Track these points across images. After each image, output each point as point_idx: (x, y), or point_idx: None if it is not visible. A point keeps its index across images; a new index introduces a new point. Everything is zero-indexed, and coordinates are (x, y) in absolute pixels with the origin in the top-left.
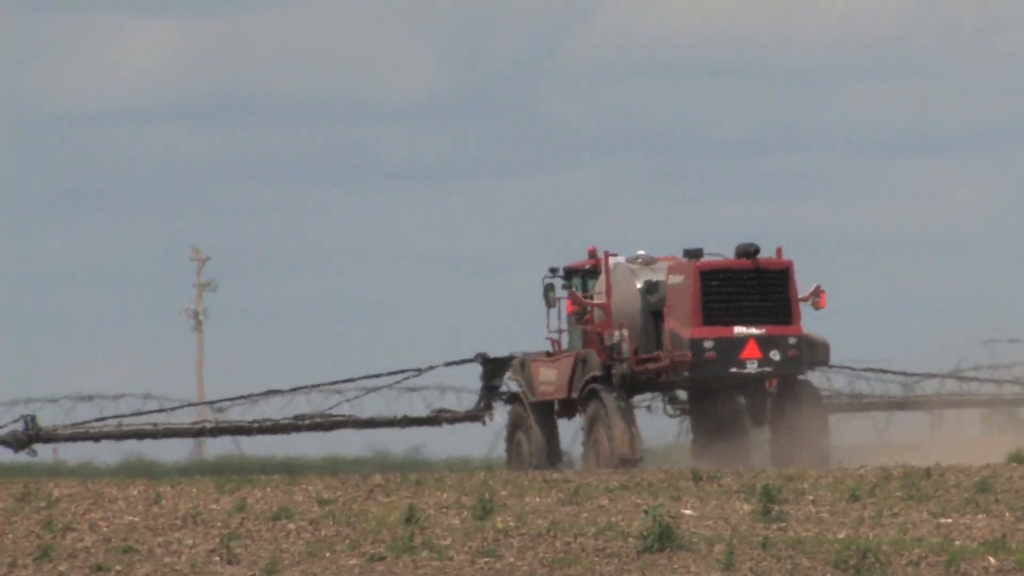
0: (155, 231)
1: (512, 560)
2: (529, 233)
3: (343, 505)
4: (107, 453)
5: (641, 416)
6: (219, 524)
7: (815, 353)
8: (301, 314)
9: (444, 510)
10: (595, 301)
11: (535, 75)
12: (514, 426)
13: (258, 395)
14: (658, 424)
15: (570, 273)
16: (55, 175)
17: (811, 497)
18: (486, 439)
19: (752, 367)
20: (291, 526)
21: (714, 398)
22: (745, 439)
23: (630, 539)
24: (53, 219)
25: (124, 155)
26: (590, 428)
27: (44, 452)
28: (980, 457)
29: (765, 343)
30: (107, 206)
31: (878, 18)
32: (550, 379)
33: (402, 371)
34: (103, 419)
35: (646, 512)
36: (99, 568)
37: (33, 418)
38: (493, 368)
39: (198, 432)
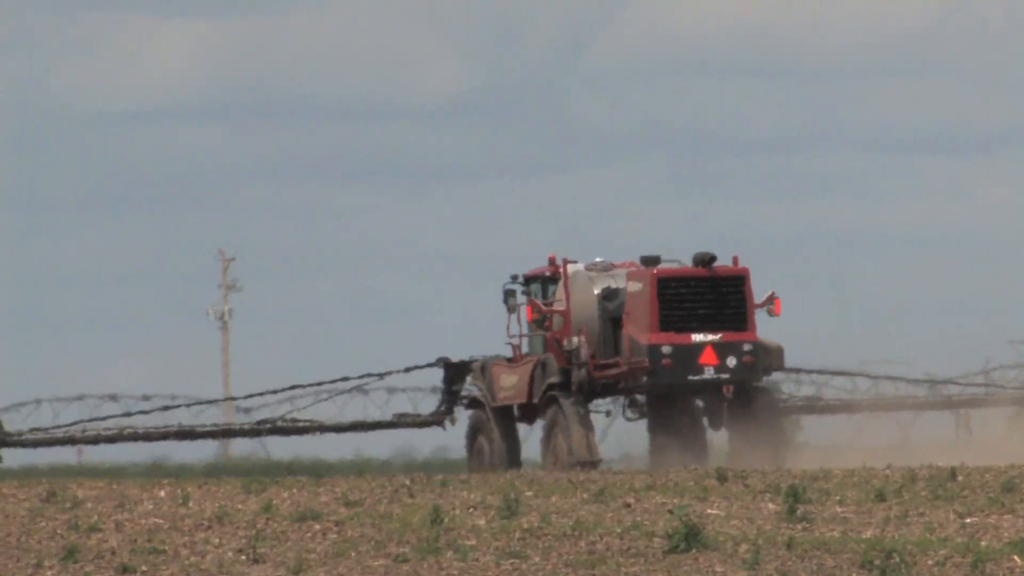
0: (181, 231)
1: (537, 560)
2: (554, 233)
3: (369, 506)
4: (135, 454)
5: (600, 419)
6: (245, 525)
7: (770, 359)
8: (326, 313)
9: (470, 510)
10: (554, 308)
11: (561, 74)
12: (475, 430)
13: (220, 400)
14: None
15: (530, 280)
16: (81, 174)
17: (837, 497)
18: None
19: (709, 373)
20: (317, 527)
21: (672, 403)
22: (702, 443)
23: (656, 539)
24: (78, 218)
25: (150, 155)
26: (549, 433)
27: (70, 453)
28: (1006, 457)
29: (721, 350)
30: (133, 206)
31: (905, 16)
32: (510, 384)
33: (365, 375)
34: (71, 424)
35: (671, 512)
36: (125, 569)
37: None
38: (455, 372)
39: (162, 436)
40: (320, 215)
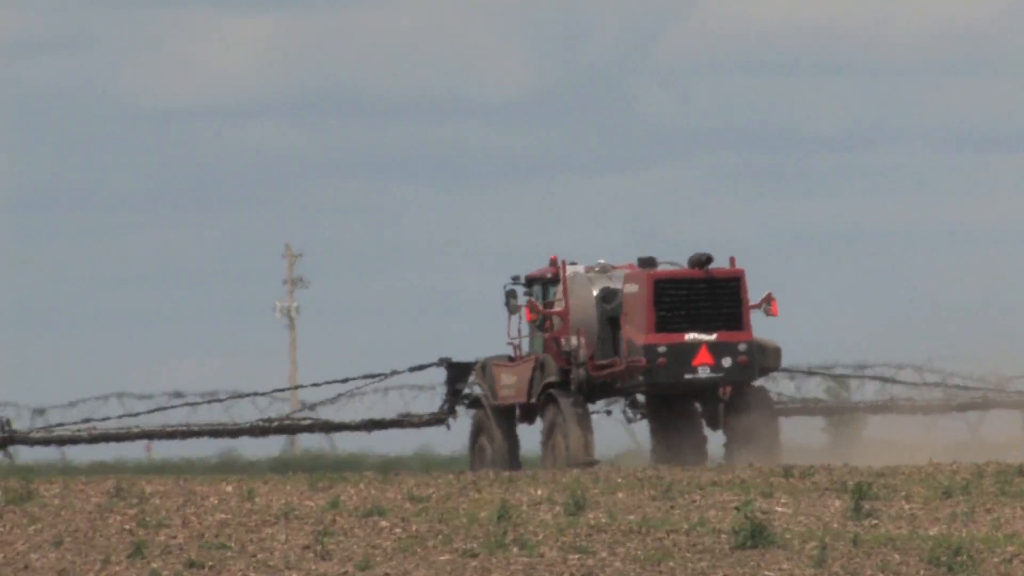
0: (248, 228)
1: (604, 556)
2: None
3: (436, 502)
4: (201, 450)
5: (601, 420)
6: (312, 521)
7: (766, 359)
8: (392, 309)
9: (536, 506)
10: (553, 309)
11: (630, 72)
12: (477, 430)
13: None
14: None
15: (531, 281)
16: (148, 172)
17: (903, 494)
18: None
19: (704, 373)
20: (384, 523)
21: (671, 403)
22: (701, 443)
23: (722, 535)
24: (145, 216)
25: (217, 152)
26: (548, 433)
27: (137, 449)
28: None
29: (717, 350)
30: (200, 203)
31: (972, 12)
32: (510, 383)
33: (369, 375)
34: (84, 422)
35: (738, 509)
36: (192, 564)
37: (9, 421)
38: (457, 372)
39: (169, 435)
40: (387, 211)
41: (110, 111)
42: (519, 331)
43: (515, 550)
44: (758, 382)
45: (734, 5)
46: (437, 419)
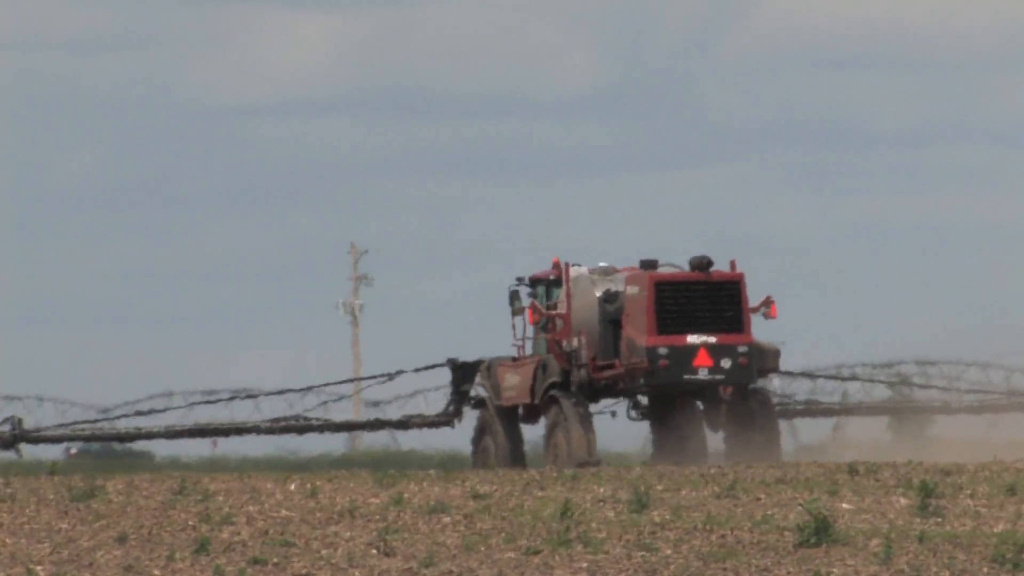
0: (312, 225)
1: (668, 553)
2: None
3: (499, 499)
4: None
5: (603, 421)
6: (376, 518)
7: (765, 360)
8: (456, 306)
9: (600, 504)
10: (556, 310)
11: (695, 68)
12: (481, 430)
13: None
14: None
15: (535, 283)
16: (214, 169)
17: (968, 491)
18: (642, 432)
19: (704, 374)
20: (447, 520)
21: (673, 404)
22: (702, 443)
23: (786, 533)
24: (210, 213)
25: (283, 149)
26: (550, 432)
27: (204, 446)
28: None
29: (716, 351)
30: (265, 200)
31: None
32: (514, 384)
33: (374, 376)
34: (91, 421)
35: (802, 506)
36: (256, 561)
37: (20, 420)
38: (463, 373)
39: (176, 434)
40: (451, 209)
41: (176, 109)
42: (524, 332)
43: (579, 547)
44: (759, 383)
45: (798, 1)
46: (443, 420)
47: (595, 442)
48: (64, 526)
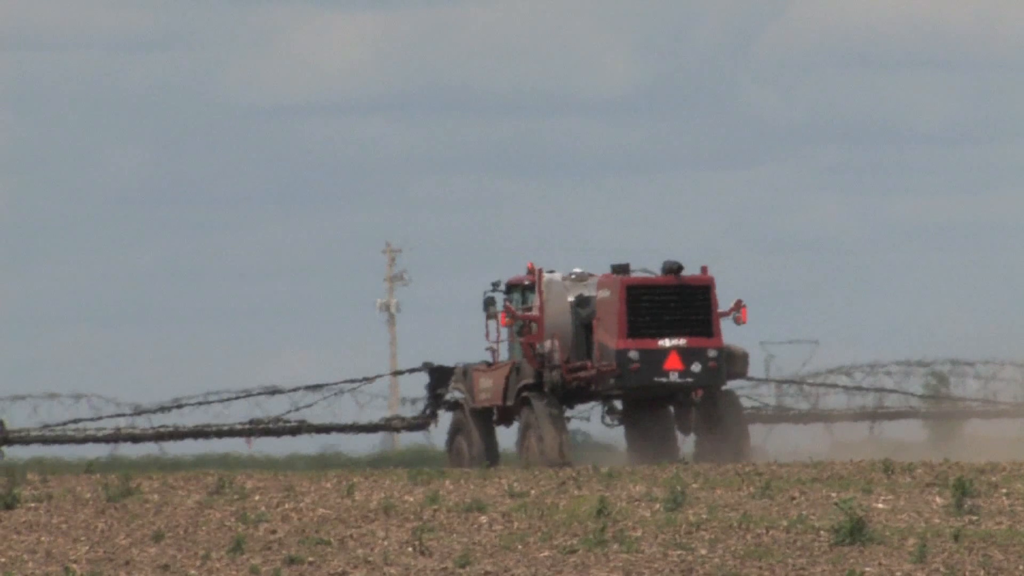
0: (349, 224)
1: (704, 552)
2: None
3: (535, 498)
4: (303, 445)
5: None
6: (412, 516)
7: (734, 364)
8: None
9: (635, 503)
10: (528, 314)
11: (732, 67)
12: (455, 431)
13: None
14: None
15: (511, 288)
16: (253, 168)
17: (1004, 490)
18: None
19: (674, 377)
20: (483, 518)
21: (646, 408)
22: (674, 446)
23: (821, 532)
24: (248, 212)
25: (320, 148)
26: (523, 434)
27: (239, 444)
28: None
29: (686, 355)
30: (302, 199)
31: None
32: (487, 387)
33: (352, 380)
34: (73, 421)
35: (837, 505)
36: (292, 560)
37: (1, 422)
38: (439, 377)
39: (158, 436)
40: (489, 208)
41: (216, 108)
42: (498, 336)
43: (615, 546)
44: (727, 386)
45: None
46: (421, 422)
47: (567, 443)
48: (101, 525)
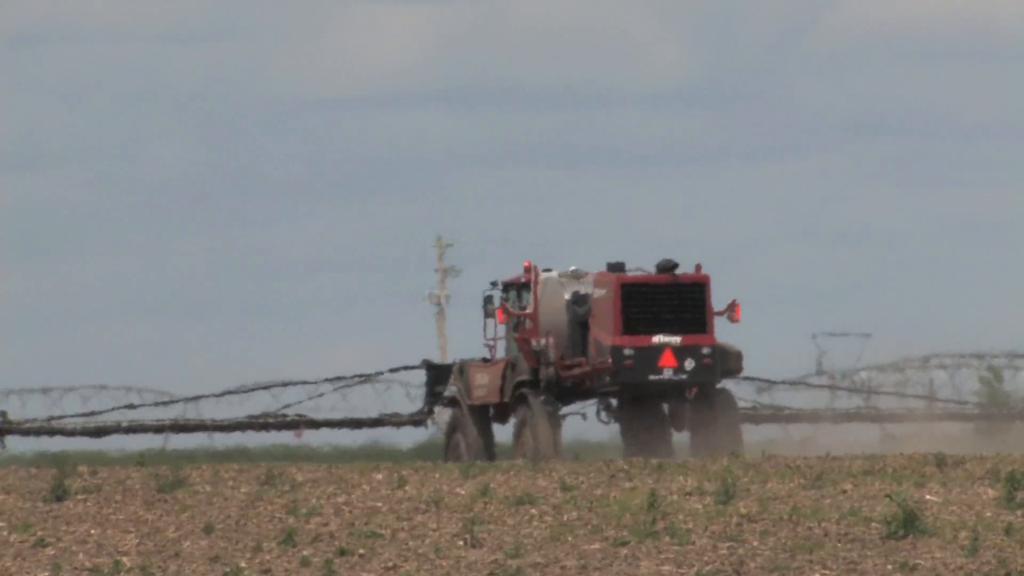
0: (400, 216)
1: (755, 545)
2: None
3: (586, 490)
4: (351, 437)
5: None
6: (462, 508)
7: (728, 362)
8: None
9: (686, 495)
10: (523, 312)
11: (783, 60)
12: (452, 427)
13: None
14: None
15: (508, 287)
16: (303, 161)
17: None
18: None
19: (668, 374)
20: (534, 511)
21: (641, 405)
22: (668, 443)
23: (873, 525)
24: (299, 204)
25: (370, 141)
26: (519, 430)
27: (287, 436)
28: None
29: (681, 352)
30: (353, 192)
31: None
32: (484, 383)
33: (354, 376)
34: (71, 415)
35: (889, 498)
36: (343, 552)
37: (3, 412)
38: (437, 374)
39: (158, 429)
40: (539, 200)
41: (265, 101)
42: (496, 334)
43: (665, 539)
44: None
45: None
46: (417, 419)
47: (561, 439)
48: (150, 517)
